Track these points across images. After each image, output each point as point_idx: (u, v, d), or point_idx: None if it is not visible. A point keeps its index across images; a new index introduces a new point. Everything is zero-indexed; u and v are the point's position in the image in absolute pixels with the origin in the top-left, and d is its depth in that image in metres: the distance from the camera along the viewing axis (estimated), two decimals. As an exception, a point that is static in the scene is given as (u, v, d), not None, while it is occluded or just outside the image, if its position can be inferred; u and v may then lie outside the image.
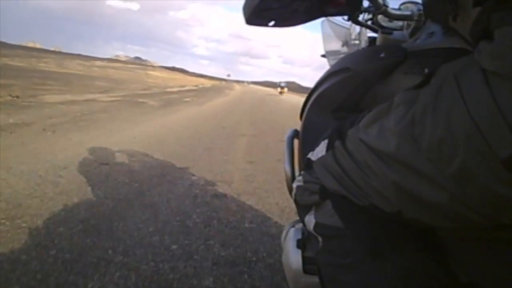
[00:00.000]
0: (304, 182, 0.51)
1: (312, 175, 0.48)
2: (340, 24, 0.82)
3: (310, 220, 0.48)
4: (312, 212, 0.48)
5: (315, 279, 0.48)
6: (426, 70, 0.49)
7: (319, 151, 0.49)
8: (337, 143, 0.44)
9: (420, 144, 0.32)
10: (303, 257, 0.60)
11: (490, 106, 0.26)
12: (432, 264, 0.38)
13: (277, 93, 27.65)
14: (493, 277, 0.37)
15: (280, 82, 29.33)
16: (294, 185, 0.54)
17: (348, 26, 0.81)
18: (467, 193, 0.30)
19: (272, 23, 0.62)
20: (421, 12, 0.63)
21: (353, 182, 0.40)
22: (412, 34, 0.65)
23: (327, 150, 0.47)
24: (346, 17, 0.68)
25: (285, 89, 29.45)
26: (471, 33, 0.34)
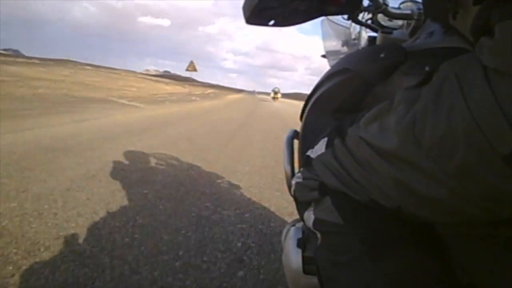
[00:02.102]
0: (303, 178, 0.51)
1: (311, 172, 0.48)
2: (340, 23, 0.82)
3: (309, 216, 0.48)
4: (312, 208, 0.48)
5: (315, 279, 0.47)
6: (427, 68, 0.49)
7: (319, 148, 0.49)
8: (337, 141, 0.44)
9: (421, 142, 0.31)
10: (303, 257, 0.59)
11: (491, 103, 0.26)
12: (432, 264, 0.38)
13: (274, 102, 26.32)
14: (493, 278, 0.36)
15: (275, 88, 28.37)
16: (293, 181, 0.54)
17: (348, 26, 0.81)
18: (467, 189, 0.29)
19: (272, 22, 0.61)
20: (421, 11, 0.63)
21: (352, 178, 0.39)
22: (412, 33, 0.65)
23: (327, 147, 0.47)
24: (346, 16, 0.68)
25: (279, 95, 27.90)
26: (471, 29, 0.33)
